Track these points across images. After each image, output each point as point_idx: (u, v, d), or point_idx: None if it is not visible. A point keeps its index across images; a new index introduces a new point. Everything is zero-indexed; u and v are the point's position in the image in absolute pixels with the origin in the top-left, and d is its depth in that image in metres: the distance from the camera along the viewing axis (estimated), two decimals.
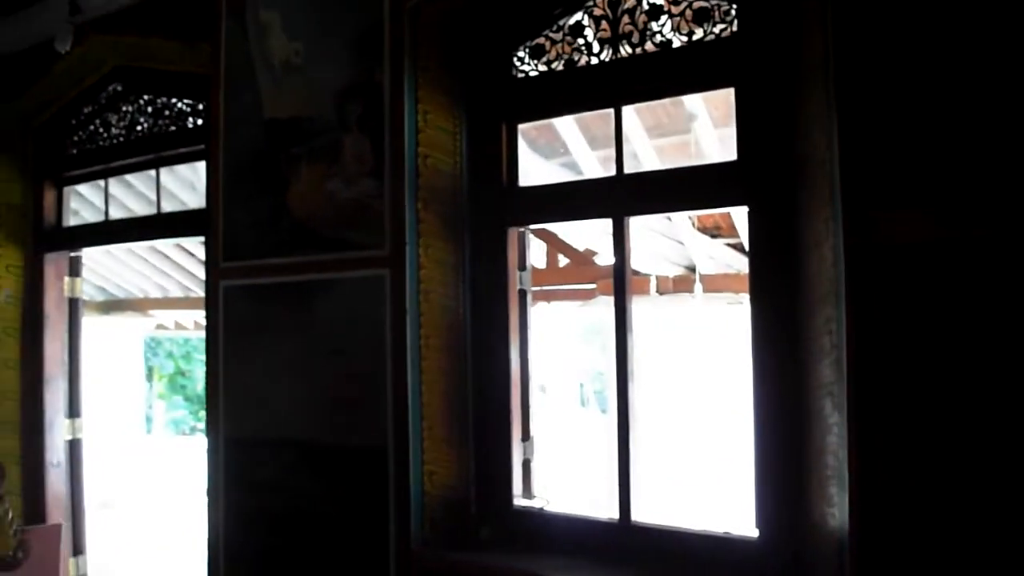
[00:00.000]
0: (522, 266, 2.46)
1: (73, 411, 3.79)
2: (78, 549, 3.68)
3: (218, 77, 2.77)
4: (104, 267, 7.26)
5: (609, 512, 2.19)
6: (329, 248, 2.47)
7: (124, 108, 3.56)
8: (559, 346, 10.85)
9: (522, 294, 2.45)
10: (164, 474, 8.66)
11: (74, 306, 3.87)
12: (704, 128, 4.38)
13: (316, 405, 2.47)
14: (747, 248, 2.06)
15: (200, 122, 3.21)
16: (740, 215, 5.27)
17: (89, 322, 8.18)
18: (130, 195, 5.57)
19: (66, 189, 3.87)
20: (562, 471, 9.29)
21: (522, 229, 2.46)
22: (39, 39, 3.43)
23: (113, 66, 3.48)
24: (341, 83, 2.46)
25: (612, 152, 2.26)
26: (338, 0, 2.49)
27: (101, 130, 3.65)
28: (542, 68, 2.34)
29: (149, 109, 3.47)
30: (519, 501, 2.34)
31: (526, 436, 2.39)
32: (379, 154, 2.37)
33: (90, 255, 7.12)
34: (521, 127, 2.52)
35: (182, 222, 3.37)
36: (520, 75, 2.39)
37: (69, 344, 3.83)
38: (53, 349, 3.75)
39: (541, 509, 2.31)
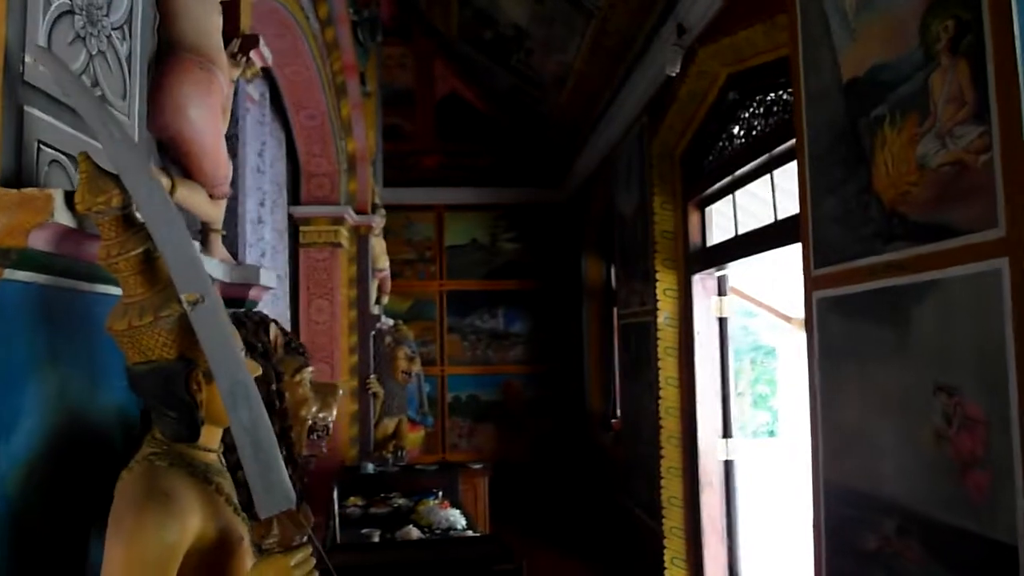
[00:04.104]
0: None
1: (726, 432, 3.76)
2: (733, 573, 3.59)
3: (796, 48, 2.34)
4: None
5: None
6: (922, 237, 1.75)
7: (741, 115, 3.40)
8: None
9: None
10: None
11: (723, 326, 3.86)
12: None
13: (921, 460, 1.75)
14: None
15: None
16: None
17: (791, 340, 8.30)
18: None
19: (707, 209, 3.92)
20: None
21: None
22: (663, 73, 3.55)
23: (726, 75, 3.37)
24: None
25: None
26: None
27: (726, 143, 3.57)
28: None
29: (760, 110, 3.22)
30: None
31: None
32: (982, 86, 1.56)
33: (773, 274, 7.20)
34: None
35: (795, 227, 2.98)
36: None
37: (720, 364, 3.83)
38: (704, 369, 3.80)
39: None
